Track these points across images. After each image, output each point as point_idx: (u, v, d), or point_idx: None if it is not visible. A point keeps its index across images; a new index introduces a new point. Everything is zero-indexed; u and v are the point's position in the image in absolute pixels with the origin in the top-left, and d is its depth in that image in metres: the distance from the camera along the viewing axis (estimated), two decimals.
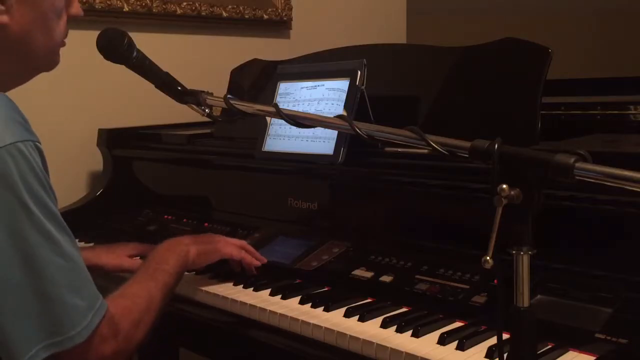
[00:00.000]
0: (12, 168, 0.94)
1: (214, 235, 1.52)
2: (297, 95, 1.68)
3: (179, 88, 1.42)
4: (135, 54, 1.41)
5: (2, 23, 1.02)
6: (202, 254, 1.41)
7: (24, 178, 0.95)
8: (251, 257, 1.50)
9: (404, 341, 1.15)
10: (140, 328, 1.13)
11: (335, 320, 1.25)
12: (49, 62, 1.12)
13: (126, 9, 2.24)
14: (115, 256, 1.58)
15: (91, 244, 1.87)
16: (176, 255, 1.34)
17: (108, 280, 1.35)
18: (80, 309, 1.00)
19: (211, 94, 1.40)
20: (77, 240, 1.86)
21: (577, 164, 0.80)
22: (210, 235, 1.52)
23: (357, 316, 1.25)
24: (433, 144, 0.95)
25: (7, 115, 0.97)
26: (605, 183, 0.80)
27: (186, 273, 1.43)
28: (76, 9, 1.14)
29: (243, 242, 1.54)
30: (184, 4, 2.38)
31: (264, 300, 1.37)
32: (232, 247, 1.48)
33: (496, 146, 0.86)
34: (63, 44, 1.13)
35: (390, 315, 1.24)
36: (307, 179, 1.67)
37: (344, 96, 1.58)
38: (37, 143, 0.99)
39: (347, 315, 1.26)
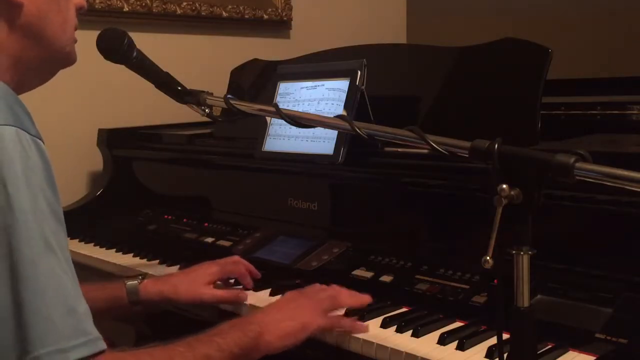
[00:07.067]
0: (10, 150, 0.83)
1: (301, 301, 1.18)
2: (297, 95, 1.68)
3: (179, 88, 1.42)
4: (135, 54, 1.41)
5: (19, 1, 0.98)
6: (284, 337, 1.10)
7: (19, 166, 0.84)
8: (352, 322, 1.19)
9: (404, 341, 1.15)
10: None
11: None
12: (66, 53, 1.07)
13: (126, 9, 2.24)
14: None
15: (91, 244, 1.87)
16: (240, 333, 1.06)
17: None
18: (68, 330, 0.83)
19: (211, 94, 1.40)
20: (77, 240, 1.90)
21: (577, 164, 0.80)
22: (297, 299, 1.18)
23: (357, 316, 1.25)
24: (433, 144, 0.95)
25: (8, 101, 0.89)
26: (605, 183, 0.80)
27: None
28: None
29: (339, 291, 1.23)
30: (184, 4, 2.38)
31: (264, 300, 1.37)
32: (323, 318, 1.17)
33: (496, 146, 0.86)
34: (75, 39, 1.09)
35: (390, 315, 1.24)
36: (307, 179, 1.67)
37: (344, 96, 1.58)
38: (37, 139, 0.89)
39: (347, 315, 1.26)
